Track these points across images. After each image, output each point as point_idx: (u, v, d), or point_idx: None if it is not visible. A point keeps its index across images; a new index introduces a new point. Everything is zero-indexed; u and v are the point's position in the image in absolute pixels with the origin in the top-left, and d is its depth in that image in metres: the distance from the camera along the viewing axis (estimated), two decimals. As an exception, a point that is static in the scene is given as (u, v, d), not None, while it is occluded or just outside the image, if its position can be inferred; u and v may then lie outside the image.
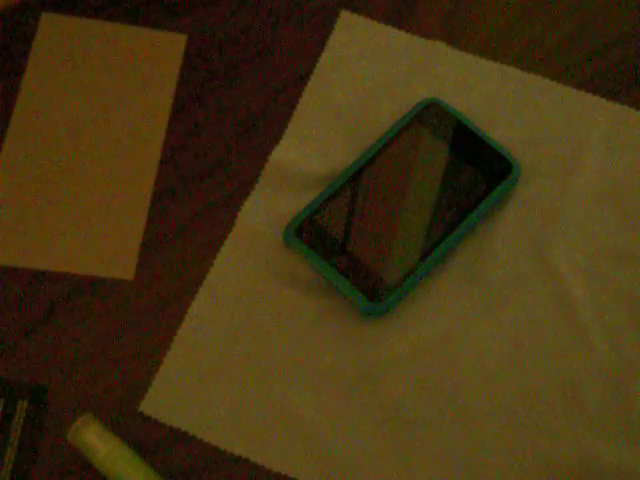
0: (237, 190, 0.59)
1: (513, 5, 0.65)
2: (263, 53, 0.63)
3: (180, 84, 0.62)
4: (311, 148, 0.60)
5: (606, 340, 0.55)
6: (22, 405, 0.53)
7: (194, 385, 0.54)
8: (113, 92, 0.62)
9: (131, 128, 0.61)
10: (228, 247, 0.57)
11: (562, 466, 0.52)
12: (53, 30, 0.63)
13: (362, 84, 0.62)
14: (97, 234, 0.58)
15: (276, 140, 0.61)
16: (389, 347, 0.55)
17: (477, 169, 0.58)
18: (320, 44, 0.63)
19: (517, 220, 0.58)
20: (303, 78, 0.62)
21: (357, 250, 0.56)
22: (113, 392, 0.54)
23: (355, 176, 0.58)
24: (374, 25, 0.64)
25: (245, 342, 0.55)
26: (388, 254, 0.56)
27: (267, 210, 0.58)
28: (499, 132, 0.61)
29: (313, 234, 0.56)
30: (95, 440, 0.51)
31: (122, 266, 0.57)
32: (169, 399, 0.54)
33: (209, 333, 0.55)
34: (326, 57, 0.63)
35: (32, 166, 0.59)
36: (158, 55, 0.63)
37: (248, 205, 0.59)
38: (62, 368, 0.54)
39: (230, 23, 0.64)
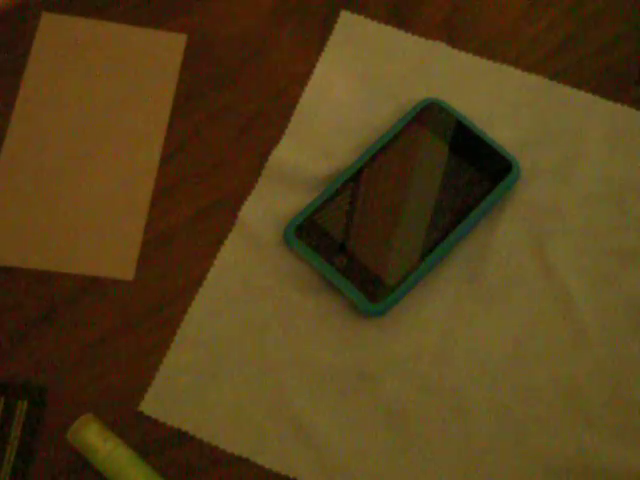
0: (237, 190, 0.59)
1: (513, 5, 0.65)
2: (263, 53, 0.63)
3: (180, 84, 0.62)
4: (311, 148, 0.60)
5: (606, 339, 0.55)
6: (22, 405, 0.53)
7: (194, 385, 0.54)
8: (113, 92, 0.62)
9: (131, 128, 0.61)
10: (228, 247, 0.57)
11: (561, 465, 0.52)
12: (53, 30, 0.63)
13: (362, 84, 0.62)
14: (97, 234, 0.58)
15: (276, 140, 0.61)
16: (389, 347, 0.55)
17: (477, 169, 0.58)
18: (320, 44, 0.63)
19: (517, 219, 0.58)
20: (303, 78, 0.62)
21: (357, 250, 0.56)
22: (113, 392, 0.54)
23: (355, 176, 0.58)
24: (374, 25, 0.64)
25: (245, 342, 0.55)
26: (388, 254, 0.56)
27: (267, 210, 0.58)
28: (499, 132, 0.61)
29: (313, 234, 0.56)
30: (95, 440, 0.51)
31: (122, 266, 0.57)
32: (169, 399, 0.54)
33: (209, 333, 0.55)
34: (326, 57, 0.63)
35: (32, 166, 0.59)
36: (158, 55, 0.63)
37: (248, 205, 0.59)
38: (62, 368, 0.54)
39: (230, 23, 0.64)
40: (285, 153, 0.60)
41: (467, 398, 0.54)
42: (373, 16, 0.64)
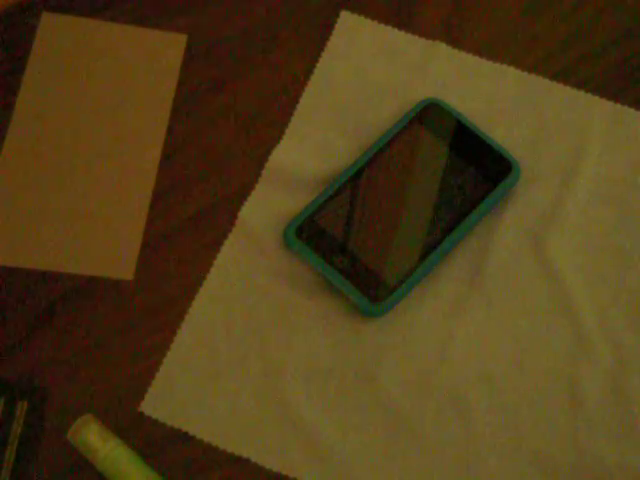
0: (237, 190, 0.59)
1: (513, 5, 0.65)
2: (263, 53, 0.63)
3: (180, 84, 0.62)
4: (311, 148, 0.60)
5: (606, 339, 0.55)
6: (22, 405, 0.53)
7: (194, 385, 0.54)
8: (113, 92, 0.62)
9: (131, 128, 0.61)
10: (228, 247, 0.57)
11: (562, 466, 0.52)
12: (53, 30, 0.63)
13: (362, 84, 0.62)
14: (97, 234, 0.58)
15: (276, 140, 0.61)
16: (389, 347, 0.55)
17: (477, 169, 0.58)
18: (320, 44, 0.63)
19: (517, 220, 0.58)
20: (303, 78, 0.62)
21: (357, 250, 0.56)
22: (113, 392, 0.54)
23: (355, 176, 0.58)
24: (374, 25, 0.64)
25: (245, 342, 0.55)
26: (388, 254, 0.56)
27: (267, 210, 0.58)
28: (499, 132, 0.61)
29: (313, 234, 0.56)
30: (95, 440, 0.51)
31: (122, 266, 0.57)
32: (169, 399, 0.54)
33: (209, 333, 0.55)
34: (326, 57, 0.63)
35: (32, 166, 0.59)
36: (158, 55, 0.63)
37: (248, 205, 0.59)
38: (62, 368, 0.54)
39: (230, 23, 0.64)
40: (285, 153, 0.60)
41: (467, 398, 0.54)
42: (373, 16, 0.64)
